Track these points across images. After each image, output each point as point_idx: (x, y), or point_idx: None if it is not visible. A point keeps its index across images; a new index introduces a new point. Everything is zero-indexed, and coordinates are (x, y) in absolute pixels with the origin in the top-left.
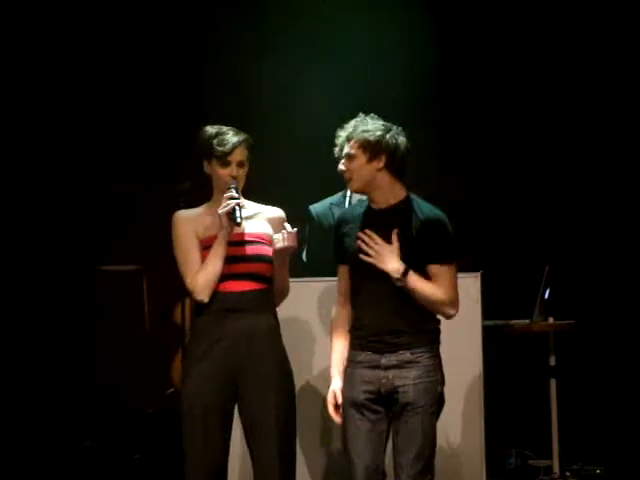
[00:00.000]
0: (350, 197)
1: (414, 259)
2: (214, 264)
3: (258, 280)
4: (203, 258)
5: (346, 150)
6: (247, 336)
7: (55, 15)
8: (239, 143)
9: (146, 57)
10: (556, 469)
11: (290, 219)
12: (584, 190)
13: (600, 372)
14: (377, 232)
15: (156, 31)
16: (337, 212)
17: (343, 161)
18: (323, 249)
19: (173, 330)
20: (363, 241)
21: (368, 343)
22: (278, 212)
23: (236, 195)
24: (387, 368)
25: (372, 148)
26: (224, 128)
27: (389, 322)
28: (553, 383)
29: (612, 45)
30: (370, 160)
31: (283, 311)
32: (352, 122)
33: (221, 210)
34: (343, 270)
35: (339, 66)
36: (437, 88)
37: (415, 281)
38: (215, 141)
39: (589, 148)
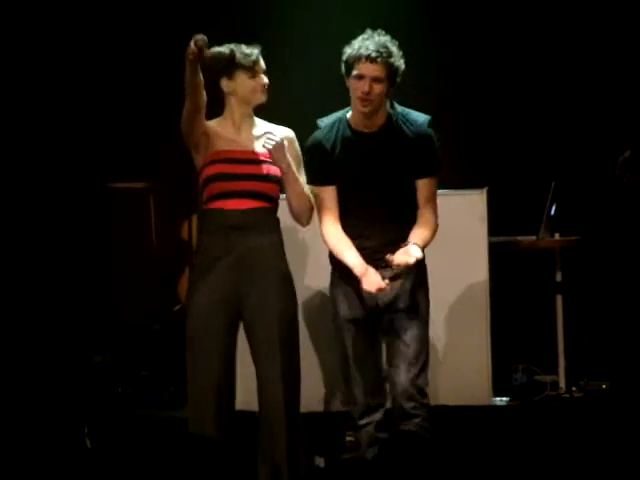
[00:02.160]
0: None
1: (404, 175)
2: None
3: (263, 199)
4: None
5: (376, 73)
6: (250, 253)
7: (56, 12)
8: (260, 52)
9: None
10: (562, 384)
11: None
12: (590, 106)
13: (606, 288)
14: (369, 155)
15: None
16: None
17: (368, 82)
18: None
19: (180, 247)
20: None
21: (369, 259)
22: (288, 132)
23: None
24: (384, 279)
25: (394, 76)
26: (234, 44)
27: (387, 236)
28: (559, 299)
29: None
30: (390, 86)
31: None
32: (372, 38)
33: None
34: (330, 191)
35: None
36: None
37: (421, 246)
38: (239, 54)
39: (595, 62)
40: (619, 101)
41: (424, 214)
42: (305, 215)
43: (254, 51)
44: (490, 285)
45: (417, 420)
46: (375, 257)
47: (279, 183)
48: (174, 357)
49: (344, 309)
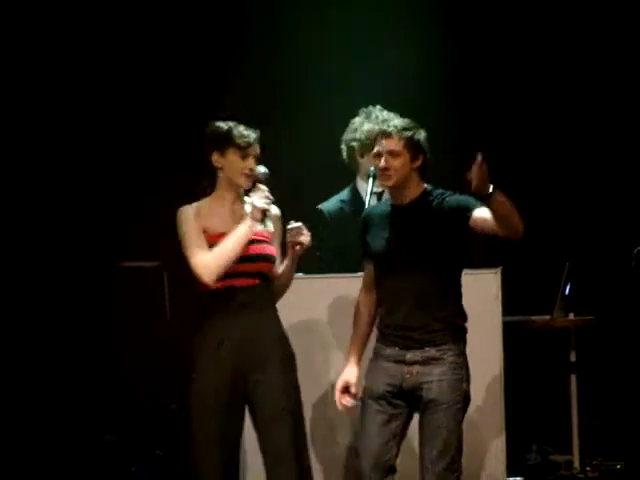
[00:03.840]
0: (371, 193)
1: (436, 249)
2: (233, 248)
3: (262, 278)
4: None
5: (390, 147)
6: (255, 330)
7: (64, 15)
8: (257, 137)
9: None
10: (576, 464)
11: (302, 219)
12: (604, 186)
13: (620, 368)
14: (404, 227)
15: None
16: (347, 208)
17: (384, 157)
18: (338, 247)
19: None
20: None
21: (395, 338)
22: (276, 210)
23: (271, 197)
24: (412, 363)
25: (415, 148)
26: (235, 122)
27: (417, 318)
28: (573, 379)
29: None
30: (412, 160)
31: (299, 306)
32: (374, 116)
33: (259, 203)
34: (369, 263)
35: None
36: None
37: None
38: (236, 132)
39: (609, 142)
40: (632, 180)
41: None
42: (280, 297)
43: (252, 134)
44: (504, 364)
45: None
46: (405, 340)
47: (274, 263)
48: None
49: (367, 381)
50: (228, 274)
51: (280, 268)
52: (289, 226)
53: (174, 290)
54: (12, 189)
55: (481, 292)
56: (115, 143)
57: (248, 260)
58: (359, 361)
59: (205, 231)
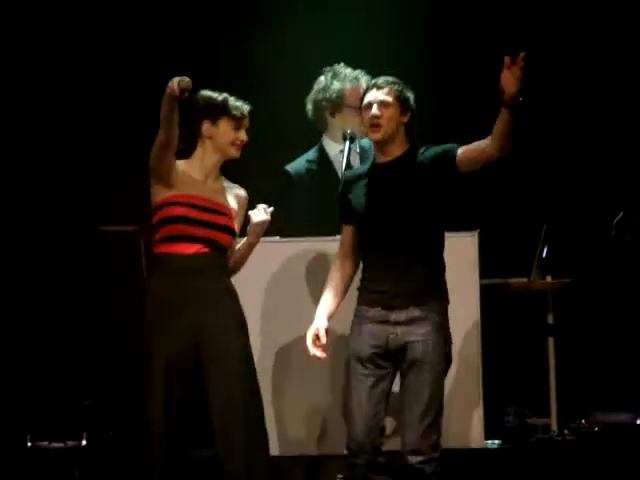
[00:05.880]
0: (348, 155)
1: (421, 207)
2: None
3: (216, 247)
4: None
5: (381, 97)
6: (203, 295)
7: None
8: (249, 110)
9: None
10: (554, 427)
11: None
12: (582, 147)
13: (598, 330)
14: (391, 185)
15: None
16: (314, 168)
17: (376, 106)
18: (309, 208)
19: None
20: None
21: (379, 299)
22: (242, 191)
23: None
24: (396, 324)
25: (404, 102)
26: (226, 94)
27: (401, 279)
28: (551, 341)
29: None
30: (402, 113)
31: (271, 271)
32: (342, 74)
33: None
34: (347, 229)
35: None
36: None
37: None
38: (231, 103)
39: (590, 105)
40: (609, 142)
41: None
42: (238, 270)
43: (245, 106)
44: (481, 327)
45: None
46: (389, 301)
47: (234, 237)
48: None
49: (352, 344)
50: (176, 236)
51: (237, 245)
52: (259, 206)
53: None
54: None
55: (458, 255)
56: (93, 110)
57: (199, 224)
58: (328, 317)
59: (174, 186)
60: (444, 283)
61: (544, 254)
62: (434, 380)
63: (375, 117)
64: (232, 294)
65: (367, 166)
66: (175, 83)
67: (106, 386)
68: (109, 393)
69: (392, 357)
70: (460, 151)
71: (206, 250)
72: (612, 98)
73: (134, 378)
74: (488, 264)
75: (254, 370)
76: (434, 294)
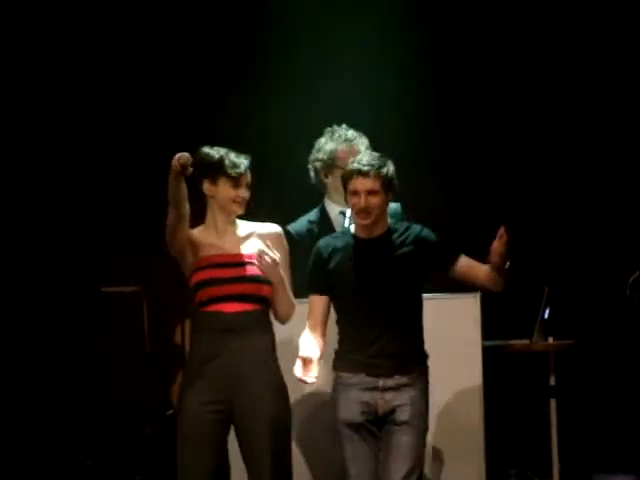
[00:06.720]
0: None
1: (406, 282)
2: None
3: (253, 301)
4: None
5: (368, 186)
6: (240, 356)
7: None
8: (249, 165)
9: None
10: None
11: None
12: (583, 211)
13: (600, 391)
14: (377, 260)
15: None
16: (315, 229)
17: (363, 196)
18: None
19: (173, 351)
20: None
21: (363, 366)
22: (274, 228)
23: None
24: (385, 390)
25: (389, 185)
26: (226, 150)
27: (386, 347)
28: (553, 403)
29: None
30: (386, 196)
31: (283, 331)
32: (337, 135)
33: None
34: (321, 299)
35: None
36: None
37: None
38: (227, 161)
39: (590, 164)
40: (610, 205)
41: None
42: (288, 317)
43: (243, 162)
44: (484, 389)
45: None
46: (375, 369)
47: (269, 283)
48: (167, 462)
49: (343, 413)
50: (209, 299)
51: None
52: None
53: (153, 316)
54: None
55: (461, 316)
56: (97, 169)
57: (227, 282)
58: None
59: (195, 254)
60: (423, 343)
61: (546, 316)
62: (420, 442)
63: (364, 208)
64: (269, 354)
65: (344, 239)
66: (175, 160)
67: (107, 447)
68: (110, 454)
69: (380, 421)
70: (457, 266)
71: (244, 307)
72: (615, 154)
73: (135, 439)
74: (490, 325)
75: (287, 440)
76: (419, 359)
